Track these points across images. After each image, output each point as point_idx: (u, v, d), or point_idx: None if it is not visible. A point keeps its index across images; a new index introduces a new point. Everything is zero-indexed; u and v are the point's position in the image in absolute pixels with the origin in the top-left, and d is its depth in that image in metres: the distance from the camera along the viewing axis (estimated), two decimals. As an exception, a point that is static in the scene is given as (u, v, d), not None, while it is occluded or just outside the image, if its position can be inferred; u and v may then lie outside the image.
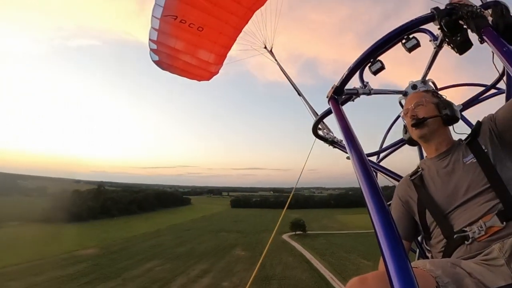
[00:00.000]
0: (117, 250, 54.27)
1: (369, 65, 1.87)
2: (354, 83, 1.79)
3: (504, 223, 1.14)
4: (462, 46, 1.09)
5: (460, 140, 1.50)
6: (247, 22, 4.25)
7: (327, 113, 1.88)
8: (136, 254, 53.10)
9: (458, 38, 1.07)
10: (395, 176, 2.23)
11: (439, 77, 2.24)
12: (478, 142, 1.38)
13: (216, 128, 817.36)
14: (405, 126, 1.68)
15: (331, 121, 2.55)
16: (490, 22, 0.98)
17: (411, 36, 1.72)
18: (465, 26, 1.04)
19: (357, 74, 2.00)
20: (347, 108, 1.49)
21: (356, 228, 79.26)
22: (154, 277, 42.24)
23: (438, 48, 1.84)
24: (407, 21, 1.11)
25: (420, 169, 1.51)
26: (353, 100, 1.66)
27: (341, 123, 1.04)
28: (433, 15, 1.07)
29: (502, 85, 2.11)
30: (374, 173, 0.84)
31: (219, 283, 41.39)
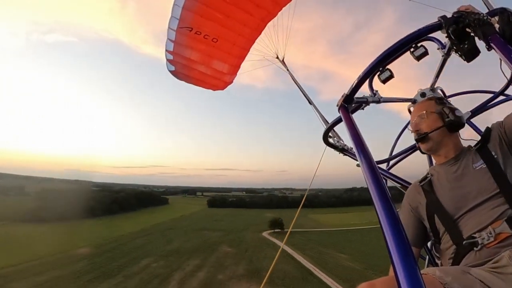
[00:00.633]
0: (110, 249, 54.14)
1: (378, 73, 1.86)
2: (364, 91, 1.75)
3: None
4: (470, 54, 1.09)
5: (469, 146, 1.48)
6: (260, 33, 4.29)
7: (338, 121, 1.94)
8: (129, 252, 53.57)
9: (466, 46, 1.07)
10: (405, 183, 2.25)
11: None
12: (488, 148, 1.36)
13: (186, 128, 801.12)
14: None
15: (342, 129, 2.50)
16: (497, 29, 0.98)
17: (419, 45, 1.72)
18: (472, 34, 1.04)
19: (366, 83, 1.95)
20: (356, 116, 1.45)
21: (330, 226, 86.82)
22: (153, 273, 43.75)
23: (446, 56, 1.83)
24: (415, 29, 1.12)
25: (430, 174, 1.50)
26: (362, 109, 1.65)
27: (351, 131, 1.05)
28: (441, 24, 1.07)
29: (510, 91, 2.17)
30: (384, 180, 0.87)
31: (215, 276, 44.34)
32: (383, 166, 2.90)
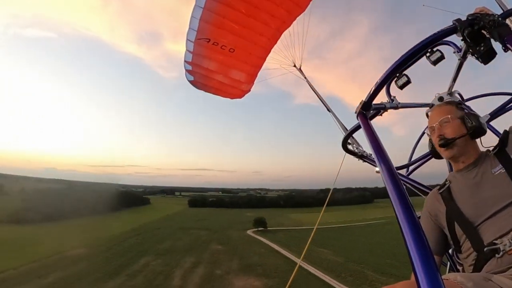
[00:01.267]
0: (105, 249, 53.44)
1: (395, 79, 1.80)
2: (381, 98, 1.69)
3: None
4: (487, 56, 1.07)
5: (487, 150, 1.44)
6: (275, 42, 4.29)
7: (356, 128, 1.92)
8: (125, 252, 53.44)
9: (482, 48, 1.04)
10: (425, 189, 2.22)
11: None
12: (506, 151, 1.32)
13: (161, 129, 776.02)
14: (430, 140, 1.62)
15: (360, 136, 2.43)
16: None
17: (435, 49, 1.64)
18: (488, 36, 1.02)
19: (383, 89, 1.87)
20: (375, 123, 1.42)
21: (308, 224, 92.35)
22: (154, 271, 44.74)
23: (463, 59, 1.77)
24: (430, 34, 1.09)
25: (448, 181, 1.46)
26: (381, 115, 1.62)
27: (370, 138, 1.03)
28: (456, 27, 1.05)
29: None
30: (404, 186, 0.81)
31: (213, 272, 46.42)
32: (403, 171, 2.86)
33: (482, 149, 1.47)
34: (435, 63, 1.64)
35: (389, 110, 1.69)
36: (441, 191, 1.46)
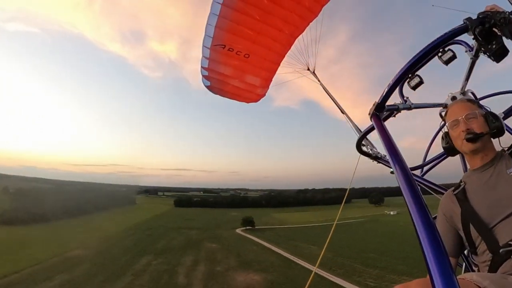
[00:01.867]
0: (104, 250, 51.70)
1: (407, 80, 1.78)
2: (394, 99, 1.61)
3: None
4: (498, 54, 1.04)
5: (503, 150, 1.40)
6: (290, 47, 4.26)
7: (370, 129, 1.90)
8: (125, 252, 52.14)
9: (494, 46, 1.02)
10: (440, 190, 2.17)
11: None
12: None
13: (142, 128, 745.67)
14: (446, 135, 1.53)
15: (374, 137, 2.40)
16: None
17: (446, 49, 1.61)
18: (499, 33, 0.99)
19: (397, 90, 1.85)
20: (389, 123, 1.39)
21: (292, 223, 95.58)
22: (158, 270, 44.41)
23: (475, 58, 1.69)
24: (441, 34, 1.06)
25: (463, 182, 1.42)
26: (394, 116, 1.59)
27: (384, 139, 1.01)
28: (466, 26, 1.02)
29: None
30: (418, 187, 0.78)
31: (214, 269, 46.96)
32: (417, 172, 2.79)
33: (498, 148, 1.43)
34: (447, 62, 1.62)
35: (402, 111, 1.61)
36: (455, 192, 1.42)
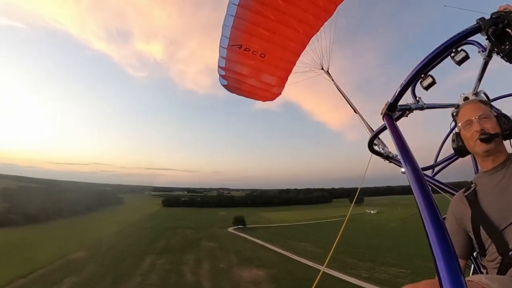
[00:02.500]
0: (106, 250, 49.37)
1: (420, 80, 1.73)
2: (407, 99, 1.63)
3: None
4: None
5: None
6: (305, 47, 4.19)
7: (382, 129, 1.81)
8: (128, 252, 50.25)
9: (507, 47, 0.97)
10: (451, 190, 2.10)
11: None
12: None
13: (123, 127, 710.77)
14: (457, 136, 1.46)
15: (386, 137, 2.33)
16: None
17: (459, 49, 1.56)
18: None
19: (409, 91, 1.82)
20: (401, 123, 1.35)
21: (280, 222, 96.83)
22: (164, 269, 43.56)
23: (488, 58, 1.64)
24: (454, 34, 1.01)
25: (474, 184, 1.37)
26: (406, 116, 1.52)
27: (396, 139, 0.98)
28: (480, 26, 0.98)
29: None
30: (429, 187, 0.74)
31: (217, 266, 47.10)
32: (428, 172, 2.72)
33: (510, 151, 1.38)
34: (460, 63, 1.57)
35: (414, 111, 1.54)
36: (466, 193, 1.37)
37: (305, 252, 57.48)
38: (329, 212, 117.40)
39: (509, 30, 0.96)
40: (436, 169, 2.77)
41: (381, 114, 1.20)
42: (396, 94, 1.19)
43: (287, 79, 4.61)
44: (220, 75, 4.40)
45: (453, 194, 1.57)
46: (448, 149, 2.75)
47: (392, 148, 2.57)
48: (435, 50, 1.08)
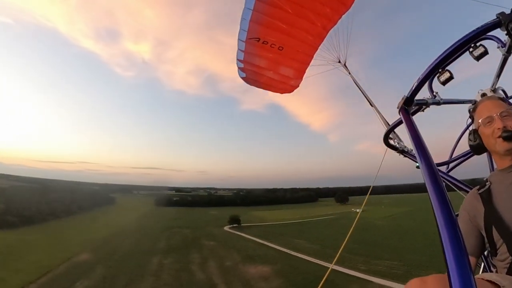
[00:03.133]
0: (110, 251, 46.83)
1: (437, 75, 1.60)
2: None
3: None
4: None
5: None
6: (322, 40, 4.07)
7: (398, 123, 1.76)
8: (133, 253, 48.09)
9: None
10: (465, 187, 2.02)
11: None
12: None
13: (109, 126, 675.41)
14: (474, 133, 1.36)
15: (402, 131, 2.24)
16: None
17: (478, 44, 1.44)
18: None
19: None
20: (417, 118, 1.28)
21: (272, 220, 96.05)
22: (174, 268, 42.37)
23: (507, 54, 1.57)
24: (473, 28, 0.94)
25: (489, 182, 1.29)
26: (423, 111, 1.48)
27: (412, 133, 0.94)
28: (499, 21, 0.93)
29: None
30: (443, 183, 0.73)
31: (224, 263, 46.84)
32: (443, 168, 2.63)
33: None
34: (478, 58, 1.47)
35: (431, 106, 1.47)
36: (480, 191, 1.29)
37: (303, 248, 58.62)
38: (316, 211, 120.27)
39: None
40: (451, 165, 2.68)
41: (398, 108, 1.15)
42: (413, 88, 1.14)
43: (304, 71, 4.55)
44: (238, 67, 4.35)
45: (467, 192, 1.56)
46: (461, 146, 2.64)
47: (407, 142, 2.47)
48: (453, 45, 1.04)
